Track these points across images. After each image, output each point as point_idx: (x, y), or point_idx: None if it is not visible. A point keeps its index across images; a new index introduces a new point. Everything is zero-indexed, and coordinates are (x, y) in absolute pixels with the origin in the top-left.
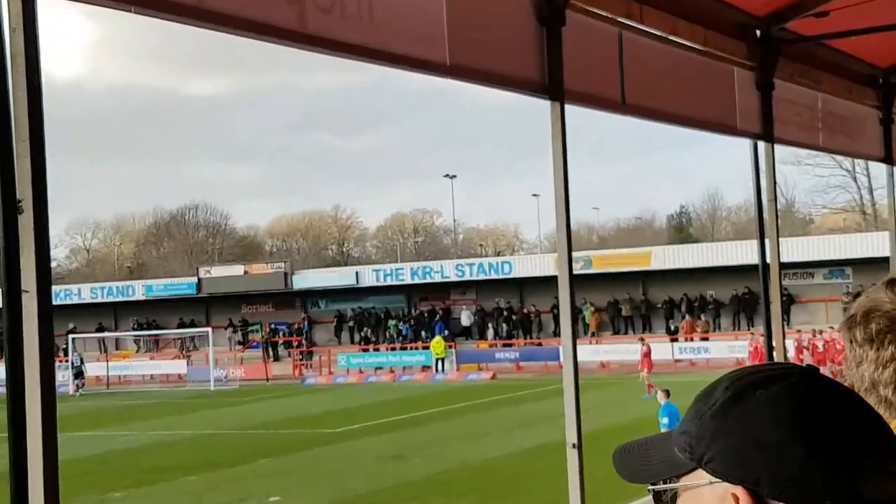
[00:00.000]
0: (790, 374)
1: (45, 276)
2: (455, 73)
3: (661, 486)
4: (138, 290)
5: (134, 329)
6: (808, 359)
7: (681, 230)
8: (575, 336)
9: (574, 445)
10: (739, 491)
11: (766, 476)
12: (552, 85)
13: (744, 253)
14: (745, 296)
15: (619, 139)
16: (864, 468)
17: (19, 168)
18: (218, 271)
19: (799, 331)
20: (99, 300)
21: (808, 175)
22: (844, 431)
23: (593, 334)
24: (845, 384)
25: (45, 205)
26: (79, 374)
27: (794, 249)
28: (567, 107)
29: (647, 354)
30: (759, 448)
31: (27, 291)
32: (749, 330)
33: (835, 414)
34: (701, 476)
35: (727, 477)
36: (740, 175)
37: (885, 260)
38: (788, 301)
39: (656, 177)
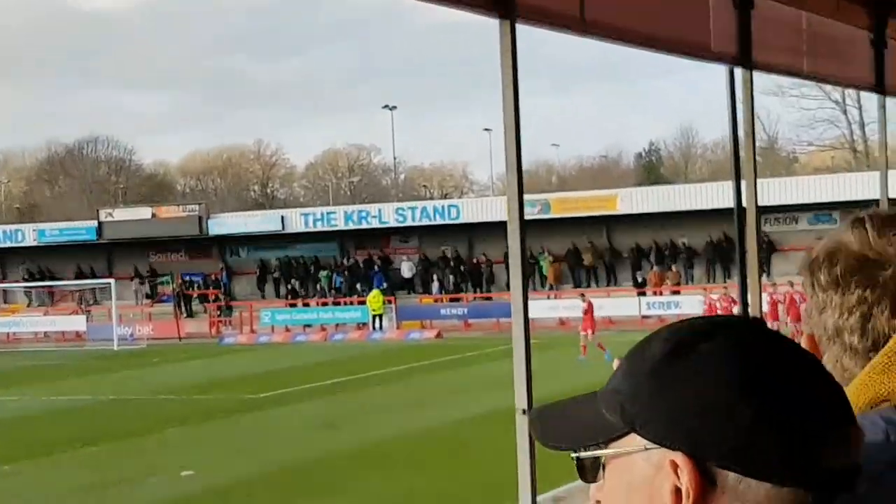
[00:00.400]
0: (735, 325)
1: None
2: None
3: (586, 454)
4: (29, 235)
5: (25, 279)
6: (783, 315)
7: (650, 170)
8: (526, 290)
9: (524, 412)
10: (679, 457)
11: (710, 440)
12: (502, 0)
13: (721, 195)
14: (722, 243)
15: (582, 65)
16: (818, 433)
17: None
18: (121, 214)
19: (775, 284)
20: None
21: (792, 108)
22: (798, 391)
23: (551, 287)
24: (805, 334)
25: None
26: None
27: (777, 191)
28: (520, 26)
29: (589, 311)
30: (703, 409)
31: None
32: (725, 282)
33: (786, 372)
34: (634, 441)
35: (665, 442)
36: (717, 107)
37: (877, 203)
38: (769, 249)
39: (623, 109)
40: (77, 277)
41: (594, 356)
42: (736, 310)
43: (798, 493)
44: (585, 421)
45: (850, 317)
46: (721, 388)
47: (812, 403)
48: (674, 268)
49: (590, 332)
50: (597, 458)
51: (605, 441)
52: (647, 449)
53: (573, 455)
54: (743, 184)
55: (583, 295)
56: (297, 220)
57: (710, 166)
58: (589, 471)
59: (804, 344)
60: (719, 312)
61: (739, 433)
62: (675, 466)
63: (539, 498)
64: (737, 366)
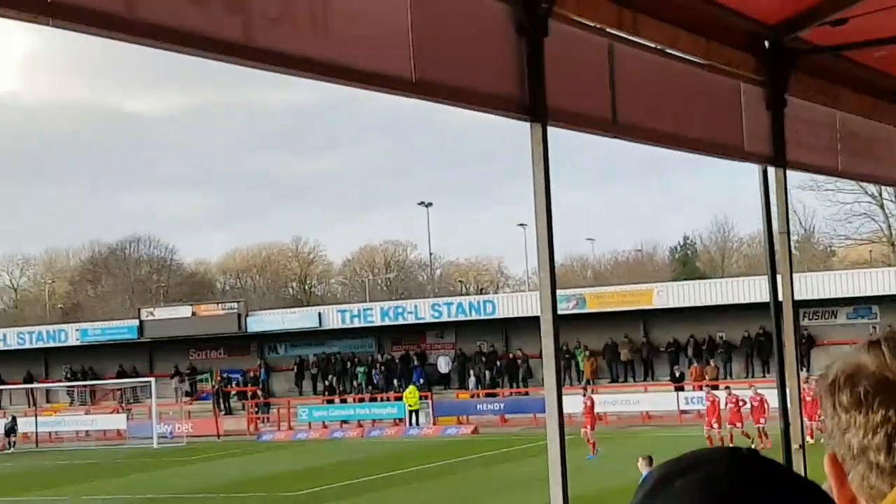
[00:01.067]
0: (717, 459)
1: None
2: (422, 91)
3: None
4: (72, 335)
5: (67, 378)
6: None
7: (685, 264)
8: (560, 387)
9: None
10: None
11: None
12: (533, 104)
13: (757, 290)
14: (760, 337)
15: (616, 161)
16: None
17: None
18: (162, 313)
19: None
20: (27, 346)
21: (828, 202)
22: None
23: (588, 382)
24: (827, 454)
25: None
26: (10, 431)
27: (815, 285)
28: (553, 128)
29: (591, 409)
30: None
31: None
32: (764, 376)
33: None
34: None
35: None
36: (753, 201)
37: None
38: (808, 343)
39: (658, 203)
40: (119, 376)
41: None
42: (745, 409)
43: None
44: None
45: (874, 436)
46: None
47: None
48: (712, 362)
49: (588, 427)
50: None
51: None
52: None
53: None
54: (779, 279)
55: (585, 389)
56: (334, 317)
57: (747, 260)
58: None
59: (827, 463)
60: (723, 411)
61: None
62: None
63: None
64: (698, 502)
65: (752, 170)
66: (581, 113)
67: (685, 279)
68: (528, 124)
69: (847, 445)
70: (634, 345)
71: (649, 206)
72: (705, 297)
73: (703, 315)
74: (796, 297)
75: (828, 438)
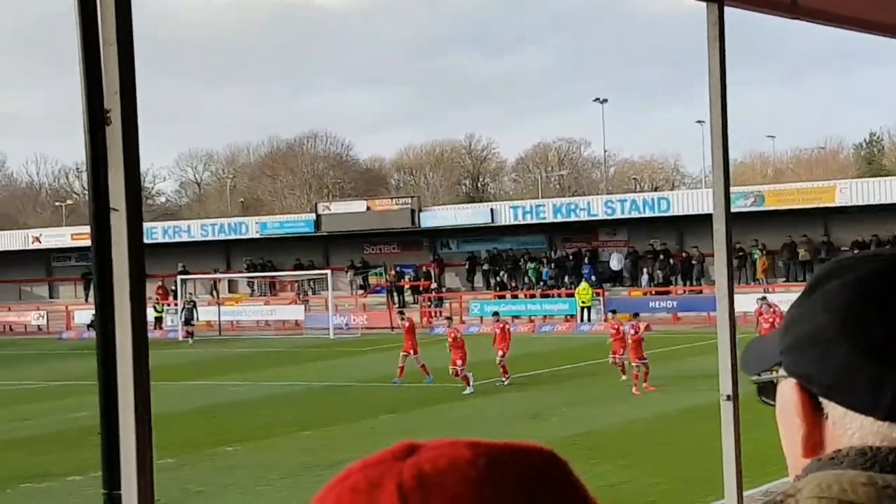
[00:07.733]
0: (874, 260)
1: (135, 193)
2: None
3: (753, 378)
4: (252, 228)
5: (247, 270)
6: None
7: (871, 161)
8: (731, 276)
9: (728, 398)
10: (794, 384)
11: (815, 372)
12: None
13: None
14: None
15: (798, 55)
16: None
17: (107, 74)
18: (338, 207)
19: None
20: (210, 238)
21: None
22: None
23: (758, 281)
24: None
25: (134, 114)
26: (188, 321)
27: None
28: (730, 11)
29: (763, 314)
30: (811, 342)
31: (116, 210)
32: None
33: None
34: (780, 369)
35: (788, 369)
36: None
37: None
38: None
39: (843, 99)
40: (296, 269)
41: None
42: None
43: None
44: (766, 350)
45: None
46: (825, 324)
47: None
48: None
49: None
50: (771, 382)
51: (768, 369)
52: (786, 377)
53: (751, 379)
54: None
55: (764, 298)
56: (506, 213)
57: None
58: (768, 394)
59: None
60: None
61: (834, 369)
62: (796, 393)
63: (750, 492)
64: (846, 301)
65: None
66: None
67: (871, 177)
68: (703, 6)
69: None
70: (813, 244)
71: (833, 101)
72: (892, 195)
73: (890, 214)
74: None
75: None
